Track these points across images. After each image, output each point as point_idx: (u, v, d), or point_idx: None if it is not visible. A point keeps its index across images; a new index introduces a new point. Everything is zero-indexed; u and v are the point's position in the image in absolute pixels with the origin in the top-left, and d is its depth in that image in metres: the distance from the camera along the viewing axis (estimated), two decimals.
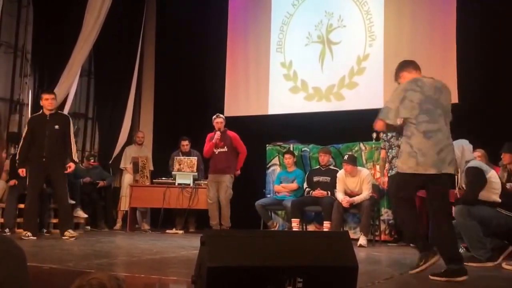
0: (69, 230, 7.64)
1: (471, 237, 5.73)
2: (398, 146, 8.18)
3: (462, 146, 6.05)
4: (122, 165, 11.22)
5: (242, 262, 2.25)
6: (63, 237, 7.54)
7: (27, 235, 7.44)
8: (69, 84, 10.37)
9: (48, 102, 7.90)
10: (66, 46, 10.45)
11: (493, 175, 5.94)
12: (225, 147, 9.46)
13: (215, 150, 9.49)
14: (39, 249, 6.18)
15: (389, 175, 8.43)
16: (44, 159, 7.68)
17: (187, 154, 10.30)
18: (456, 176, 5.87)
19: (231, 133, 9.57)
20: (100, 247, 6.64)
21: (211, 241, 2.28)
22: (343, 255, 2.42)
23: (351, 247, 2.49)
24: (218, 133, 9.41)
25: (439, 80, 4.83)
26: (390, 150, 8.35)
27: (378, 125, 4.88)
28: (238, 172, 9.55)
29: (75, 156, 8.06)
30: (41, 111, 8.07)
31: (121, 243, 7.45)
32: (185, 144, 10.34)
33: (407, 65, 5.04)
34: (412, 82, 4.71)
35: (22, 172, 7.78)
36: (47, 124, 7.82)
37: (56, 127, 7.83)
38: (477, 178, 5.87)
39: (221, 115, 9.67)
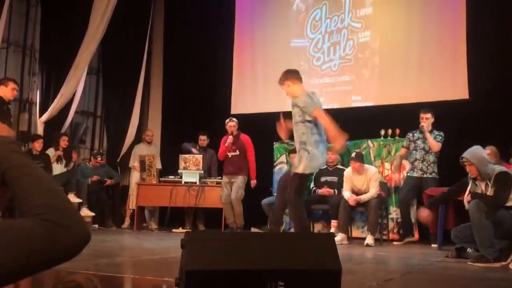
0: None
1: (483, 236, 5.61)
2: (424, 149, 8.17)
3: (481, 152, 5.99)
4: (131, 164, 11.21)
5: (222, 265, 2.17)
6: None
7: None
8: (76, 82, 10.35)
9: (14, 93, 7.83)
10: (73, 44, 10.43)
11: None
12: (237, 150, 9.50)
13: (228, 154, 9.53)
14: None
15: (408, 175, 8.36)
16: None
17: (204, 149, 10.32)
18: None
19: (244, 137, 9.62)
20: (102, 246, 6.55)
21: (190, 244, 2.20)
22: (327, 258, 2.34)
23: (335, 249, 2.40)
24: (230, 137, 9.45)
25: None
26: (414, 152, 8.28)
27: None
28: (255, 181, 9.60)
29: None
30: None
31: (125, 243, 7.39)
32: (203, 139, 10.36)
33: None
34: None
35: None
36: (9, 114, 7.75)
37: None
38: (508, 184, 5.75)
39: (233, 119, 9.67)
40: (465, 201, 6.12)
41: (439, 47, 9.46)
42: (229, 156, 9.53)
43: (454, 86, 9.20)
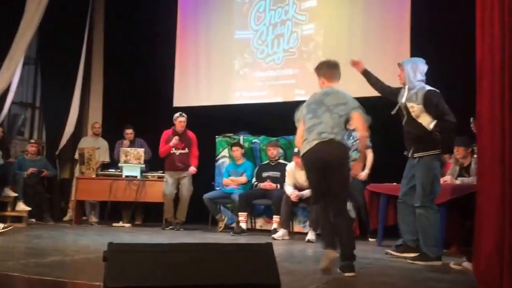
0: None
1: (430, 234, 5.61)
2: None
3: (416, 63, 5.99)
4: (77, 156, 10.88)
5: (148, 282, 2.02)
6: None
7: None
8: (12, 72, 9.96)
9: None
10: (8, 34, 10.01)
11: None
12: (186, 148, 9.29)
13: (175, 151, 9.28)
14: None
15: None
16: None
17: (132, 142, 10.11)
18: None
19: (191, 134, 9.39)
20: (36, 244, 6.33)
21: (114, 257, 2.04)
22: (265, 272, 2.21)
23: (274, 261, 2.27)
24: (176, 138, 9.20)
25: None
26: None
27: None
28: (194, 169, 9.32)
29: None
30: None
31: (61, 239, 7.12)
32: (129, 132, 10.17)
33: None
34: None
35: None
36: None
37: None
38: (440, 100, 5.73)
39: (184, 114, 9.38)
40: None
41: (383, 41, 9.44)
42: (177, 154, 9.28)
43: (398, 80, 9.18)
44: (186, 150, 9.29)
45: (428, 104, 5.65)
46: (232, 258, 2.22)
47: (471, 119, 6.04)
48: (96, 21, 12.18)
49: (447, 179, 6.69)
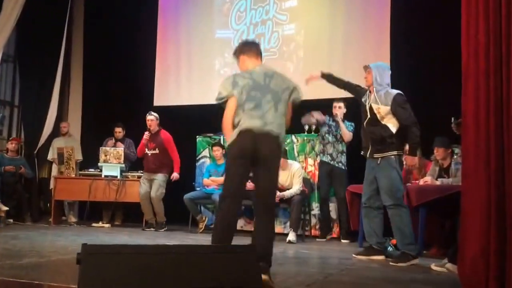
0: None
1: (404, 233, 5.66)
2: (335, 137, 8.18)
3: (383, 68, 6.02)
4: (50, 157, 10.79)
5: (124, 286, 1.95)
6: None
7: None
8: None
9: None
10: None
11: None
12: (156, 148, 9.20)
13: (147, 152, 9.22)
14: None
15: (320, 159, 8.51)
16: None
17: (120, 141, 10.02)
18: None
19: (164, 134, 9.26)
20: (12, 245, 6.23)
21: (87, 260, 1.97)
22: (246, 276, 2.15)
23: (257, 265, 2.21)
24: (146, 133, 9.13)
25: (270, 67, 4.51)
26: (326, 135, 8.41)
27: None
28: (177, 175, 9.21)
29: None
30: None
31: (39, 240, 7.00)
32: (118, 131, 10.07)
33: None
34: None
35: None
36: None
37: None
38: (407, 105, 5.78)
39: (153, 113, 9.28)
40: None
41: (363, 42, 9.46)
42: (149, 155, 9.23)
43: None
44: (157, 151, 9.18)
45: (396, 107, 5.71)
46: (213, 261, 2.15)
47: (452, 119, 6.03)
48: (75, 18, 12.09)
49: (427, 179, 6.70)
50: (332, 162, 8.30)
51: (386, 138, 5.76)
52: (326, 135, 8.39)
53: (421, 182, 6.72)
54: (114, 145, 9.88)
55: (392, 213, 5.70)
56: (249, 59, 4.53)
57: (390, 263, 5.60)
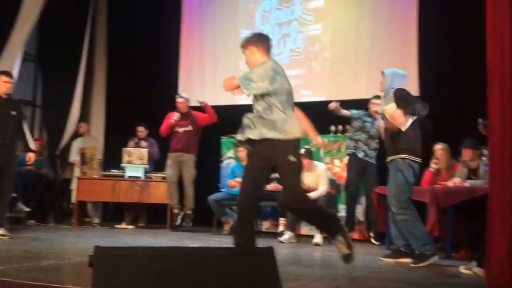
0: (1, 229, 6.98)
1: (417, 235, 5.52)
2: (368, 133, 8.03)
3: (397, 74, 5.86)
4: (71, 158, 10.73)
5: None
6: None
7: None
8: (9, 67, 9.71)
9: (7, 86, 7.16)
10: (4, 28, 9.86)
11: None
12: (189, 125, 9.12)
13: (178, 129, 9.12)
14: None
15: (350, 152, 8.30)
16: (2, 147, 6.98)
17: (144, 140, 10.00)
18: None
19: (196, 113, 9.23)
20: (33, 246, 6.15)
21: (100, 262, 1.85)
22: (265, 278, 2.01)
23: (275, 267, 2.07)
24: (176, 114, 9.08)
25: None
26: (359, 132, 8.26)
27: (229, 86, 4.45)
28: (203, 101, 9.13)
29: (32, 145, 7.46)
30: None
31: (60, 241, 6.93)
32: (140, 130, 10.03)
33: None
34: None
35: None
36: (3, 109, 7.11)
37: (13, 113, 7.17)
38: (409, 97, 5.64)
39: (183, 95, 9.32)
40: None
41: (390, 42, 9.32)
42: (180, 132, 9.14)
43: None
44: (190, 128, 9.11)
45: (398, 99, 5.59)
46: (230, 264, 2.02)
47: (479, 121, 5.89)
48: (98, 17, 12.01)
49: (456, 181, 6.54)
50: (365, 158, 8.15)
51: (395, 139, 5.65)
52: (359, 131, 8.21)
53: (450, 183, 6.56)
54: (136, 145, 9.80)
55: (399, 219, 5.60)
56: (259, 52, 4.45)
57: (411, 265, 5.45)
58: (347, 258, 4.26)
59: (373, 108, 8.11)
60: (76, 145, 10.65)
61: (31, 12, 9.92)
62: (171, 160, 9.12)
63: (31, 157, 7.38)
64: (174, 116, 9.08)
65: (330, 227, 4.39)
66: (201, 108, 9.25)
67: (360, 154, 8.17)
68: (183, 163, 9.05)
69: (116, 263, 1.88)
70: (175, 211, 9.08)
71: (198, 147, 9.22)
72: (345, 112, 8.21)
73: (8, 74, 7.45)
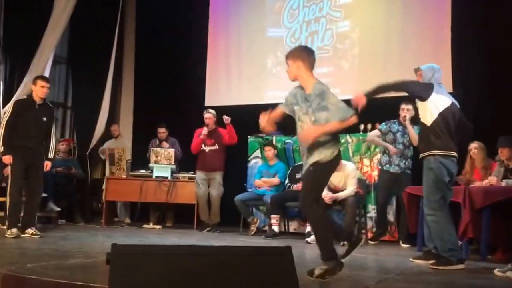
0: (32, 228, 7.03)
1: (445, 240, 5.33)
2: (403, 144, 7.83)
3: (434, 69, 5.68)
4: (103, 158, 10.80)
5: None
6: (23, 235, 6.94)
7: (11, 232, 6.80)
8: (41, 70, 9.78)
9: (43, 90, 7.20)
10: (38, 32, 9.93)
11: None
12: (216, 144, 9.09)
13: (204, 148, 9.11)
14: None
15: (384, 168, 8.00)
16: (29, 151, 7.06)
17: (165, 141, 9.97)
18: None
19: (222, 131, 9.14)
20: (62, 245, 6.18)
21: (117, 260, 1.79)
22: (282, 279, 1.92)
23: (293, 268, 1.99)
24: (205, 128, 9.04)
25: None
26: (393, 144, 7.90)
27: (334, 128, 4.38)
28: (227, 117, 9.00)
29: (51, 154, 7.47)
30: (27, 97, 7.43)
31: (88, 241, 6.95)
32: (162, 131, 10.00)
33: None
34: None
35: (9, 159, 7.00)
36: (36, 113, 7.17)
37: (44, 119, 7.22)
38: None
39: (210, 111, 9.25)
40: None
41: (422, 38, 9.12)
42: (206, 151, 9.12)
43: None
44: (216, 147, 9.08)
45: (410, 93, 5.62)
46: (246, 264, 1.95)
47: None
48: (126, 20, 12.12)
49: (492, 181, 6.38)
50: (399, 172, 7.89)
51: (423, 136, 5.51)
52: (393, 144, 7.93)
53: (486, 183, 6.40)
54: (159, 146, 9.80)
55: (429, 220, 5.41)
56: (304, 67, 4.46)
57: (429, 266, 5.31)
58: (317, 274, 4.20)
59: (402, 114, 7.84)
60: (107, 146, 10.72)
61: (61, 15, 9.98)
62: (200, 178, 9.13)
63: (47, 165, 7.38)
64: (203, 131, 9.05)
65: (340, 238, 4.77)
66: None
67: (394, 169, 7.92)
68: (211, 181, 9.09)
69: (132, 260, 1.84)
70: (206, 222, 9.08)
71: (225, 163, 9.19)
72: (378, 140, 8.10)
73: (45, 79, 7.53)
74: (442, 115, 5.37)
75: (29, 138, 7.09)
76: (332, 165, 4.50)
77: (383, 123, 8.08)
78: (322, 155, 4.37)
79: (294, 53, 4.58)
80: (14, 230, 6.84)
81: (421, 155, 5.50)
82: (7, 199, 7.07)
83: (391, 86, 5.51)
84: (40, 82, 7.23)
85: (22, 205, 7.34)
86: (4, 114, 7.45)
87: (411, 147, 7.84)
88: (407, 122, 7.68)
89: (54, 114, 7.71)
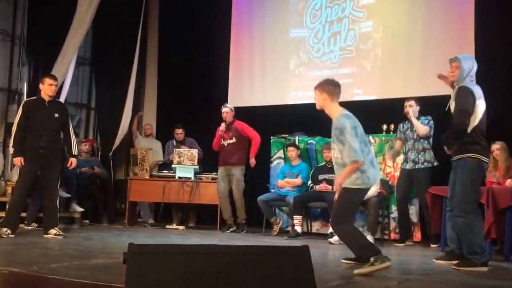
0: (55, 228, 7.10)
1: (472, 241, 5.23)
2: (413, 138, 7.78)
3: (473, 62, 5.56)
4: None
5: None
6: (46, 236, 7.01)
7: (6, 232, 6.79)
8: (64, 70, 9.89)
9: (52, 88, 7.28)
10: (61, 33, 10.00)
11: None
12: (233, 137, 9.13)
13: (223, 142, 9.17)
14: (15, 247, 5.80)
15: (402, 167, 7.95)
16: (41, 150, 7.10)
17: (181, 142, 10.02)
18: None
19: (238, 124, 9.20)
20: (85, 246, 6.22)
21: (134, 260, 1.80)
22: (300, 279, 1.92)
23: (311, 268, 1.98)
24: (223, 124, 9.12)
25: None
26: (406, 143, 7.88)
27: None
28: (253, 160, 9.11)
29: (75, 150, 7.51)
30: (36, 96, 7.47)
31: (111, 241, 6.98)
32: (179, 132, 10.05)
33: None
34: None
35: (20, 161, 7.06)
36: (46, 111, 7.23)
37: (56, 115, 7.27)
38: (469, 97, 5.28)
39: (227, 105, 9.35)
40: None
41: (444, 38, 9.00)
42: (225, 145, 9.18)
43: None
44: (234, 140, 9.12)
45: (456, 100, 5.35)
46: (263, 264, 1.94)
47: None
48: (150, 20, 12.17)
49: None
50: (415, 167, 7.78)
51: (461, 139, 5.34)
52: (406, 142, 7.96)
53: (509, 183, 6.33)
54: (176, 147, 9.84)
55: (459, 221, 5.28)
56: (330, 99, 4.94)
57: (452, 266, 5.26)
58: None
59: (405, 110, 7.87)
60: (137, 144, 10.81)
61: (85, 16, 10.03)
62: (220, 174, 9.16)
63: (72, 162, 7.45)
64: (221, 127, 9.12)
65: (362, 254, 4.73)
66: (245, 118, 9.37)
67: (409, 166, 7.88)
68: (232, 176, 9.08)
69: (149, 260, 1.84)
70: (229, 222, 9.07)
71: (246, 157, 9.17)
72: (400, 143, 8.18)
73: (52, 77, 7.61)
74: (481, 121, 5.31)
75: (41, 137, 7.13)
76: (362, 192, 4.85)
77: (398, 130, 8.17)
78: (352, 183, 4.74)
79: (321, 85, 5.04)
80: (4, 230, 6.84)
81: (459, 156, 5.35)
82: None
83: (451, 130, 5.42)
84: (48, 81, 7.32)
85: (22, 206, 7.41)
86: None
87: (421, 140, 7.79)
88: (411, 116, 7.76)
89: (67, 110, 7.74)
